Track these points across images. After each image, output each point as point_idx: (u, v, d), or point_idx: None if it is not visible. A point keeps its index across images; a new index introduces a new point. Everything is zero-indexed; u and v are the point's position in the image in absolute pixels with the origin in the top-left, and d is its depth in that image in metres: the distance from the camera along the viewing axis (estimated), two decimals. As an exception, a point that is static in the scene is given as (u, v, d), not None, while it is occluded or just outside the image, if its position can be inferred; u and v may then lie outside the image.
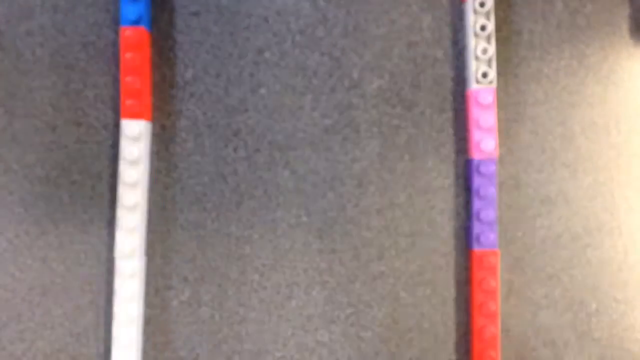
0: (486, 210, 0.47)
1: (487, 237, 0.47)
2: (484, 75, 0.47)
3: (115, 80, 0.48)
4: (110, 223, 0.48)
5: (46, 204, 0.48)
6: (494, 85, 0.47)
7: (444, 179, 0.49)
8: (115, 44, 0.48)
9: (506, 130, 0.49)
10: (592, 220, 0.49)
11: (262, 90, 0.48)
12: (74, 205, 0.48)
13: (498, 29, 0.48)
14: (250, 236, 0.48)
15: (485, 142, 0.46)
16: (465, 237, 0.48)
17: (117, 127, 0.48)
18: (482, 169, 0.47)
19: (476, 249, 0.47)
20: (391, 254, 0.49)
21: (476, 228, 0.47)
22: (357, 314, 0.48)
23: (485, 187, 0.47)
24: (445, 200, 0.49)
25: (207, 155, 0.48)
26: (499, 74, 0.49)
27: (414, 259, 0.49)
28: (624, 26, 0.49)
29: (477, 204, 0.47)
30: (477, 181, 0.47)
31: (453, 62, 0.49)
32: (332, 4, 0.49)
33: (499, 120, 0.49)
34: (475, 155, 0.47)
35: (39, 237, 0.48)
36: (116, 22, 0.48)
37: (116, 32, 0.48)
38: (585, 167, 0.49)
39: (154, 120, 0.48)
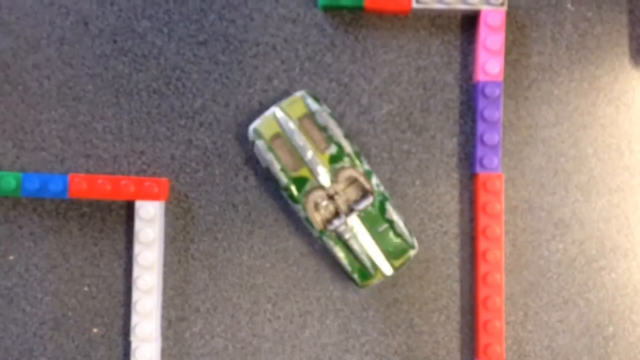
0: (490, 133, 0.46)
1: (491, 161, 0.46)
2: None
3: (123, 111, 0.48)
4: (122, 256, 0.48)
5: (56, 237, 0.48)
6: (505, 7, 0.46)
7: (456, 204, 0.48)
8: (122, 74, 0.48)
9: (518, 152, 0.48)
10: (606, 242, 0.48)
11: (272, 118, 0.48)
12: (84, 238, 0.48)
13: (508, 51, 0.48)
14: (263, 265, 0.48)
15: (490, 64, 0.46)
16: (474, 261, 0.48)
17: (125, 157, 0.48)
18: (487, 91, 0.46)
19: (480, 172, 0.47)
20: (404, 280, 0.48)
21: (479, 151, 0.47)
22: (372, 342, 0.48)
23: (490, 110, 0.46)
24: (457, 225, 0.48)
25: (218, 185, 0.48)
26: (509, 96, 0.48)
27: (427, 285, 0.48)
28: (634, 47, 0.49)
29: (481, 126, 0.47)
30: (481, 104, 0.47)
31: (462, 85, 0.48)
32: (340, 30, 0.48)
33: (510, 143, 0.48)
34: (481, 78, 0.46)
35: (50, 270, 0.48)
36: (123, 53, 0.48)
37: (123, 63, 0.48)
38: (598, 189, 0.48)
39: (164, 150, 0.48)
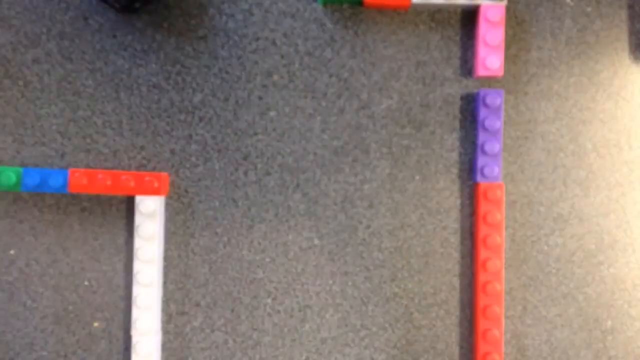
0: (491, 142, 0.46)
1: (492, 170, 0.47)
2: None
3: (123, 105, 0.48)
4: (123, 251, 0.48)
5: (57, 232, 0.48)
6: (504, 2, 0.46)
7: (455, 199, 0.48)
8: (122, 69, 0.48)
9: (517, 147, 0.48)
10: (605, 237, 0.48)
11: (271, 113, 0.48)
12: (85, 232, 0.48)
13: (507, 46, 0.48)
14: (262, 260, 0.48)
15: (490, 59, 0.46)
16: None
17: (125, 152, 0.48)
18: (488, 100, 0.46)
19: (480, 181, 0.47)
20: (404, 275, 0.48)
21: (480, 161, 0.47)
22: (371, 336, 0.48)
23: (491, 120, 0.46)
24: (457, 220, 0.48)
25: (217, 180, 0.48)
26: (509, 91, 0.48)
27: (426, 279, 0.48)
28: (634, 42, 0.49)
29: (482, 136, 0.47)
30: (482, 113, 0.47)
31: (462, 81, 0.48)
32: (340, 25, 0.48)
33: (509, 138, 0.48)
34: (481, 73, 0.46)
35: (51, 265, 0.48)
36: (123, 48, 0.48)
37: (123, 58, 0.48)
38: (597, 184, 0.48)
39: (164, 145, 0.48)
